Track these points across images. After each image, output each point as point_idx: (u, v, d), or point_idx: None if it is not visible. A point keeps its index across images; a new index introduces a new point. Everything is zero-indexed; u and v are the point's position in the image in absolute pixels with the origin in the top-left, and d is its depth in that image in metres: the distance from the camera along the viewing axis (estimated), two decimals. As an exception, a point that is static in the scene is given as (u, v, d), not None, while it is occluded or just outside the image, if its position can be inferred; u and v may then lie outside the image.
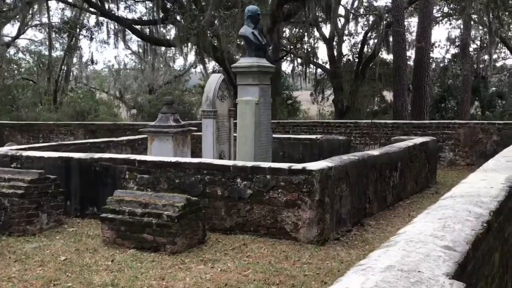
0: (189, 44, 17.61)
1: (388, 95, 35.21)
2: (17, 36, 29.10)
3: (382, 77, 33.01)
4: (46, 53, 38.02)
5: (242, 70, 9.18)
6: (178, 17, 17.26)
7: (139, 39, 22.20)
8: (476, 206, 3.44)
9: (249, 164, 7.29)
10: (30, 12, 21.20)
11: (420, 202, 9.78)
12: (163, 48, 27.60)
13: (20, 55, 41.65)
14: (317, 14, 23.13)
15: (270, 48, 32.10)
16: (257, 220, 7.24)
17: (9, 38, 30.27)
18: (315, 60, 34.39)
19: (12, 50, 40.82)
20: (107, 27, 22.65)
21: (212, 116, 9.93)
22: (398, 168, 9.67)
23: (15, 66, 40.14)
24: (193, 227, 6.86)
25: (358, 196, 8.13)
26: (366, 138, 16.26)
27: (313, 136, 13.14)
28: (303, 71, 36.54)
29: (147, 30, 20.51)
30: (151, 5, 22.93)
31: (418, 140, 11.04)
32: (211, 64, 29.86)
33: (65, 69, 37.30)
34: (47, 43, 35.25)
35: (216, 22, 15.89)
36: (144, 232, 6.75)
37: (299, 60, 35.84)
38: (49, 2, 26.01)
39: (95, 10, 20.33)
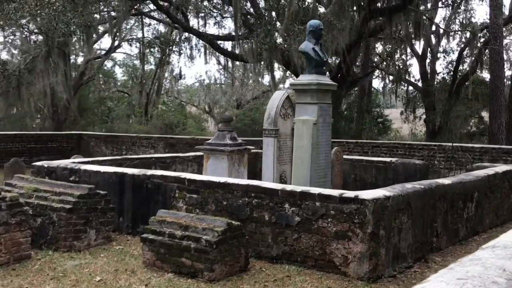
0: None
1: (487, 116, 33.32)
2: (110, 50, 30.07)
3: (479, 97, 31.27)
4: (140, 66, 39.32)
5: (300, 87, 8.68)
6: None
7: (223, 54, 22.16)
8: (517, 263, 2.77)
9: (298, 189, 6.78)
10: (116, 26, 21.75)
11: (498, 237, 8.81)
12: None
13: (117, 68, 43.37)
14: (409, 30, 22.24)
15: (358, 63, 31.39)
16: (304, 250, 6.70)
17: (104, 52, 31.36)
18: (407, 77, 33.19)
19: (109, 63, 42.56)
20: (189, 42, 22.86)
21: (274, 135, 9.50)
22: (474, 198, 8.78)
23: (111, 79, 41.69)
24: (234, 254, 6.43)
25: (422, 229, 7.39)
26: (451, 163, 15.21)
27: (388, 159, 12.36)
28: (394, 88, 35.43)
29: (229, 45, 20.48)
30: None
31: (502, 168, 10.04)
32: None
33: (157, 83, 38.28)
34: (141, 57, 36.38)
35: (289, 36, 15.49)
36: (183, 256, 6.40)
37: (391, 77, 34.80)
38: (143, 16, 26.73)
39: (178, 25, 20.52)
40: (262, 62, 17.32)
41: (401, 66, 32.79)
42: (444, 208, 7.94)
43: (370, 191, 6.62)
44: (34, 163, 9.62)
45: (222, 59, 24.28)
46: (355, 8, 17.11)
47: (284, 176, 9.68)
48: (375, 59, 35.37)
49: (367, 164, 12.26)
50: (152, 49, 32.74)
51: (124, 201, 8.50)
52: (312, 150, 8.32)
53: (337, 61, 22.23)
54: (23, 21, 13.52)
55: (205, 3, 25.26)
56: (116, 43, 30.17)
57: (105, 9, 18.57)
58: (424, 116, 32.45)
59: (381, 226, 6.40)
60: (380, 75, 36.78)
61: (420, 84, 31.84)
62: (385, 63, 34.84)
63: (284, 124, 9.83)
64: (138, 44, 33.68)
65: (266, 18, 16.34)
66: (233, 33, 19.90)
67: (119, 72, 43.09)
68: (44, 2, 12.95)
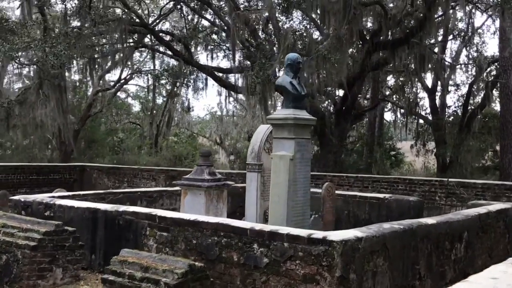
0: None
1: (501, 151, 32.71)
2: (118, 81, 30.20)
3: (492, 131, 30.72)
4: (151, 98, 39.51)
5: (277, 122, 8.41)
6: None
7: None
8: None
9: (267, 228, 6.45)
10: (122, 59, 21.82)
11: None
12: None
13: (130, 100, 43.59)
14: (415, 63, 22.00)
15: (368, 96, 31.08)
16: (272, 294, 6.34)
17: (115, 84, 31.51)
18: (417, 110, 32.81)
19: (123, 95, 42.84)
20: (194, 74, 22.81)
21: (257, 170, 9.21)
22: (463, 239, 8.36)
23: (123, 110, 41.84)
24: (197, 298, 6.10)
25: (402, 272, 6.98)
26: (452, 198, 14.76)
27: (381, 195, 11.98)
28: (405, 121, 35.04)
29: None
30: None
31: (496, 206, 9.61)
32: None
33: (167, 114, 38.34)
34: (151, 89, 36.59)
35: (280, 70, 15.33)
36: (142, 300, 6.08)
37: (402, 110, 34.42)
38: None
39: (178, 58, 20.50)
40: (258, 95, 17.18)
41: (411, 99, 32.48)
42: (428, 249, 7.54)
43: (340, 232, 6.28)
44: (11, 197, 9.42)
45: (224, 91, 24.23)
46: (356, 40, 16.89)
47: (268, 213, 9.34)
48: (387, 92, 35.12)
49: (361, 200, 11.89)
50: (161, 81, 32.90)
51: (97, 238, 8.23)
52: (289, 187, 7.99)
53: (341, 94, 22.02)
54: (12, 53, 13.56)
55: (214, 36, 25.37)
56: (125, 74, 30.30)
57: (105, 42, 18.60)
58: (435, 150, 31.96)
59: (351, 270, 6.03)
60: (392, 108, 36.47)
61: (430, 117, 31.42)
62: (395, 96, 34.58)
63: (268, 158, 9.53)
64: (148, 76, 33.96)
65: (263, 51, 16.23)
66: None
67: (134, 104, 43.33)
68: (35, 35, 12.97)
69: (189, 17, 25.42)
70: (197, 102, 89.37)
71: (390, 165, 36.16)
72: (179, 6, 23.36)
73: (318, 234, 6.13)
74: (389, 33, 18.78)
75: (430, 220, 7.76)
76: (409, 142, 38.29)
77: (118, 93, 38.27)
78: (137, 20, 19.10)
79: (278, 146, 8.30)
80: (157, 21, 25.19)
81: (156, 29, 21.13)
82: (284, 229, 6.39)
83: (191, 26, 26.20)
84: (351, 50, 21.17)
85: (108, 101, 35.46)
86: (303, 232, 6.22)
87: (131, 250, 6.70)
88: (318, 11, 16.29)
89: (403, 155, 39.14)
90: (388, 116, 42.86)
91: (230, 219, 7.46)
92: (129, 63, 33.52)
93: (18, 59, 14.81)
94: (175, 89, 32.26)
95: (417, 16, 17.70)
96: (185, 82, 27.69)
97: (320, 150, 22.82)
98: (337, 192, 12.19)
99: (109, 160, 33.06)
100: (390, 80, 34.40)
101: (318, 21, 18.62)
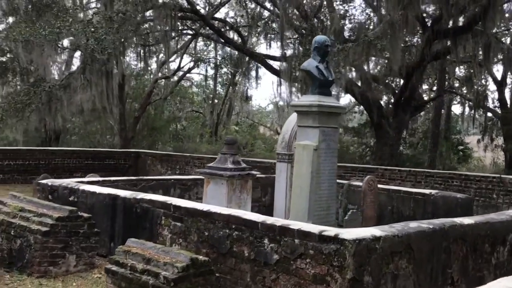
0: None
1: None
2: (178, 69, 30.28)
3: None
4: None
5: (301, 109, 7.88)
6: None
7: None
8: None
9: (278, 223, 6.00)
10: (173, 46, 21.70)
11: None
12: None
13: (194, 88, 43.80)
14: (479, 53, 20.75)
15: (426, 87, 29.70)
16: (281, 293, 5.89)
17: (175, 72, 31.61)
18: (485, 103, 31.17)
19: (187, 83, 43.09)
20: (249, 62, 22.44)
21: (287, 160, 8.72)
22: (507, 241, 7.61)
23: (186, 99, 42.06)
24: (199, 294, 5.73)
25: (431, 276, 6.37)
26: (511, 197, 13.77)
27: (427, 191, 11.22)
28: (472, 114, 33.44)
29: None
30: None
31: (550, 207, 8.74)
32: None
33: (228, 103, 38.27)
34: (212, 77, 36.62)
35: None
36: (142, 293, 5.77)
37: (470, 103, 32.86)
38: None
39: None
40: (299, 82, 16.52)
41: (479, 92, 30.89)
42: (463, 252, 6.87)
43: (356, 230, 5.75)
44: (39, 181, 9.37)
45: (276, 79, 23.71)
46: (413, 27, 15.94)
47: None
48: (456, 84, 33.63)
49: (405, 196, 11.19)
50: (220, 70, 32.82)
51: (116, 226, 8.01)
52: (312, 178, 7.48)
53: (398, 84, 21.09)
54: (53, 36, 13.59)
55: (274, 25, 24.91)
56: (186, 63, 30.32)
57: (158, 29, 18.48)
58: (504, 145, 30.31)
59: (366, 272, 5.50)
60: (461, 101, 34.89)
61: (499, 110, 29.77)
62: (464, 88, 33.04)
63: (300, 148, 9.02)
64: (208, 65, 33.94)
65: (309, 37, 15.59)
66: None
67: (198, 93, 43.45)
68: (77, 19, 12.94)
69: (250, 6, 25.09)
70: (257, 91, 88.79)
71: (457, 160, 34.69)
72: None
73: (331, 231, 5.62)
74: (451, 20, 17.70)
75: (467, 220, 7.07)
76: (477, 136, 36.60)
77: (183, 82, 38.51)
78: (187, 6, 18.85)
79: (302, 135, 7.79)
80: (215, 9, 24.94)
81: (214, 16, 20.83)
82: (296, 224, 5.91)
83: (250, 14, 25.88)
84: (410, 37, 20.21)
85: (171, 89, 35.69)
86: (315, 228, 5.72)
87: (137, 239, 6.42)
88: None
89: (471, 150, 37.50)
90: (456, 109, 41.13)
91: (243, 211, 7.04)
92: (190, 51, 33.64)
93: (60, 43, 14.90)
94: (235, 78, 32.07)
95: (481, 1, 16.56)
96: (243, 70, 27.41)
97: (376, 143, 21.98)
98: (381, 186, 11.55)
99: (168, 147, 33.28)
100: (461, 71, 32.87)
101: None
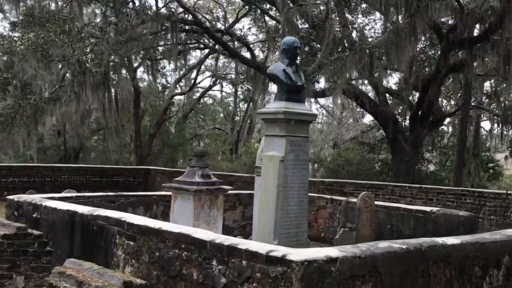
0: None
1: None
2: (193, 86, 29.94)
3: None
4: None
5: (267, 117, 7.22)
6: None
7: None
8: None
9: (227, 242, 5.35)
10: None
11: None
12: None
13: (215, 106, 43.51)
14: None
15: (447, 100, 28.58)
16: (228, 323, 5.22)
17: (191, 88, 31.30)
18: (513, 119, 29.93)
19: (210, 100, 42.86)
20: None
21: (265, 175, 8.03)
22: (501, 264, 6.79)
23: (206, 117, 41.76)
24: (133, 322, 5.11)
25: (405, 303, 5.62)
26: (520, 214, 12.84)
27: (428, 209, 10.40)
28: (500, 130, 32.21)
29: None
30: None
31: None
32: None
33: (248, 120, 37.78)
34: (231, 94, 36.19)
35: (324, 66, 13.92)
36: (72, 319, 5.18)
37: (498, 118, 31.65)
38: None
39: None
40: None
41: (507, 106, 29.71)
42: (446, 276, 6.09)
43: (308, 250, 5.06)
44: (7, 197, 8.90)
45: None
46: (423, 36, 15.13)
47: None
48: (484, 98, 32.50)
49: (405, 214, 10.40)
50: (237, 87, 32.35)
51: (74, 244, 7.45)
52: (278, 193, 6.79)
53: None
54: (36, 46, 13.30)
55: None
56: (202, 79, 29.95)
57: (168, 42, 18.09)
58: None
59: (318, 298, 4.80)
60: (489, 116, 33.69)
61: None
62: (493, 103, 31.87)
63: (279, 161, 8.34)
64: (225, 82, 33.55)
65: (308, 46, 14.98)
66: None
67: (220, 110, 43.11)
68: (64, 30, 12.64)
69: (261, 19, 24.65)
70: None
71: (487, 178, 33.51)
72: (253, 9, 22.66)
73: (279, 251, 4.95)
74: (466, 30, 16.88)
75: (451, 240, 6.30)
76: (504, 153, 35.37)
77: (205, 99, 38.21)
78: (191, 18, 18.40)
79: (269, 145, 7.13)
80: (231, 25, 24.56)
81: (219, 29, 20.39)
82: (245, 244, 5.25)
83: (265, 29, 25.45)
84: (424, 48, 19.43)
85: (191, 107, 35.43)
86: (262, 248, 5.05)
87: (75, 260, 5.85)
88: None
89: (502, 167, 36.24)
90: (485, 125, 39.84)
91: (195, 228, 6.40)
92: (211, 67, 33.29)
93: (44, 53, 14.57)
94: (252, 94, 31.57)
95: (496, 10, 15.75)
96: (259, 86, 26.85)
97: (392, 159, 21.13)
98: (379, 203, 10.80)
99: (181, 164, 32.80)
100: (488, 84, 31.74)
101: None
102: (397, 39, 13.88)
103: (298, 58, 14.66)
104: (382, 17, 15.70)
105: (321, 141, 43.57)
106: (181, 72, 29.83)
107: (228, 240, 5.45)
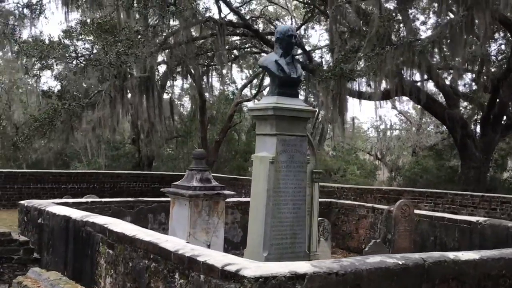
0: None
1: None
2: (258, 92, 29.48)
3: None
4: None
5: (257, 114, 6.49)
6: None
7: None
8: None
9: (189, 253, 4.73)
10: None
11: None
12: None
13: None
14: None
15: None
16: None
17: (255, 94, 30.93)
18: None
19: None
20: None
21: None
22: (536, 285, 5.74)
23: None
24: None
25: (402, 329, 4.78)
26: None
27: (474, 219, 9.27)
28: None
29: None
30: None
31: None
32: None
33: (320, 126, 36.82)
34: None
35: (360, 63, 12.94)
36: (21, 334, 4.74)
37: None
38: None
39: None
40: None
41: None
42: (460, 298, 5.17)
43: (269, 264, 4.33)
44: (20, 202, 8.69)
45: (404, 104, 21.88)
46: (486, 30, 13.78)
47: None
48: None
49: (449, 224, 9.33)
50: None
51: (68, 251, 7.07)
52: (268, 198, 6.06)
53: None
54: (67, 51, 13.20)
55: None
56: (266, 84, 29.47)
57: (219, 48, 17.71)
58: None
59: (278, 322, 4.08)
60: None
61: None
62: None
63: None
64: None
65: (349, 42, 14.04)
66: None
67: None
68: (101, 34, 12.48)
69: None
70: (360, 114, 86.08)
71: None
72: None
73: (235, 265, 4.27)
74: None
75: (467, 255, 5.37)
76: None
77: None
78: (240, 21, 17.90)
79: (260, 145, 6.42)
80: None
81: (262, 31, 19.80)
82: (206, 255, 4.61)
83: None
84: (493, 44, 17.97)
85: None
86: (220, 261, 4.40)
87: (37, 269, 5.43)
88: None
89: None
90: None
91: (167, 236, 5.81)
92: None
93: (80, 58, 14.53)
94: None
95: None
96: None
97: (461, 166, 19.70)
98: (421, 212, 9.82)
99: (250, 173, 32.39)
100: None
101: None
102: (451, 33, 12.70)
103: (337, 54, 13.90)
104: (436, 9, 14.58)
105: (398, 148, 41.96)
106: (246, 78, 29.49)
107: (191, 251, 4.83)
